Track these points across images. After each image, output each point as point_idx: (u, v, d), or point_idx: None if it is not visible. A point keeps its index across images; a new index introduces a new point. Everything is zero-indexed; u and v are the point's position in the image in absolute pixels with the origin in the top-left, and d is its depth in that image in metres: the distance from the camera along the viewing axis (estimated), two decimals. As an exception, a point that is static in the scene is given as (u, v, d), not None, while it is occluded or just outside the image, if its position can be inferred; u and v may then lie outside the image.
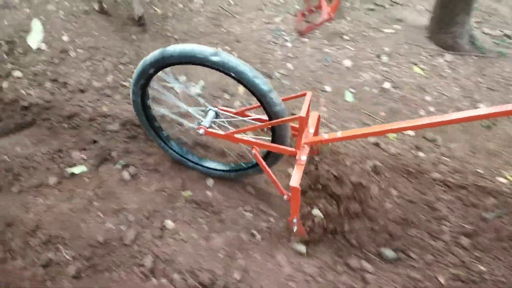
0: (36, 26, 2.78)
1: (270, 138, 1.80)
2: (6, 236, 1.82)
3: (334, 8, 2.71)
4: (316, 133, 1.82)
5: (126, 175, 2.06)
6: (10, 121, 2.27)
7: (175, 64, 1.62)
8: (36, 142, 2.19)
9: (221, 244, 1.82)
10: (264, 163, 1.75)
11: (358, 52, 2.69)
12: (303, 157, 1.65)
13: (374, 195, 2.00)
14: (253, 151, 1.73)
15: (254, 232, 1.87)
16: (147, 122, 1.95)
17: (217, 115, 1.84)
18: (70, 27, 2.80)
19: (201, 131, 1.79)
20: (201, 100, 1.92)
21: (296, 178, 1.61)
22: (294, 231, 1.79)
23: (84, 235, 1.81)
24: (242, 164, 2.03)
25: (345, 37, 2.79)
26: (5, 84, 2.43)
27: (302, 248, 1.83)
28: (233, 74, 1.56)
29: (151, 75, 1.69)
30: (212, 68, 1.58)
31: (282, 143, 1.73)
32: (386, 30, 2.86)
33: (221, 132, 1.79)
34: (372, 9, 3.09)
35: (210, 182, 2.05)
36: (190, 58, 1.57)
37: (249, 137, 1.82)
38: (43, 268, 1.73)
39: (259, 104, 1.66)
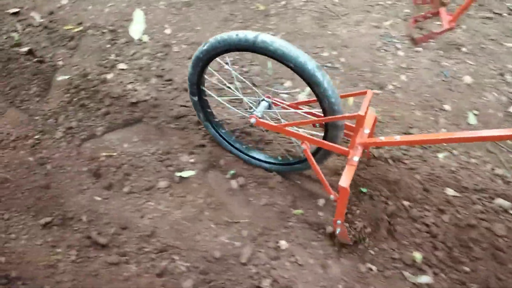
0: (138, 17, 2.74)
1: (321, 135, 1.74)
2: (120, 240, 1.81)
3: (456, 16, 2.48)
4: (371, 135, 1.77)
5: (234, 184, 1.99)
6: (118, 115, 2.25)
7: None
8: (144, 140, 2.17)
9: (339, 274, 1.72)
10: (313, 159, 1.71)
11: (479, 68, 2.46)
12: (355, 158, 1.61)
13: (501, 235, 1.84)
14: (303, 146, 1.70)
15: (370, 266, 1.77)
16: (200, 106, 1.95)
17: (269, 106, 1.82)
18: (171, 20, 2.74)
19: (253, 120, 1.77)
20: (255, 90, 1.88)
21: (346, 178, 1.57)
22: (337, 233, 1.74)
23: (199, 248, 1.77)
24: (289, 158, 2.01)
25: (463, 49, 2.56)
26: (110, 76, 2.41)
27: (425, 279, 1.71)
28: (291, 65, 1.52)
29: (209, 61, 1.72)
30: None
31: (333, 141, 1.69)
32: (508, 44, 2.60)
33: (272, 123, 1.76)
34: (489, 18, 2.82)
35: (321, 201, 1.95)
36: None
37: (301, 131, 1.77)
38: (158, 277, 1.71)
39: (314, 98, 1.62)
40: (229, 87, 1.94)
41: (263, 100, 1.81)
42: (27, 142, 2.15)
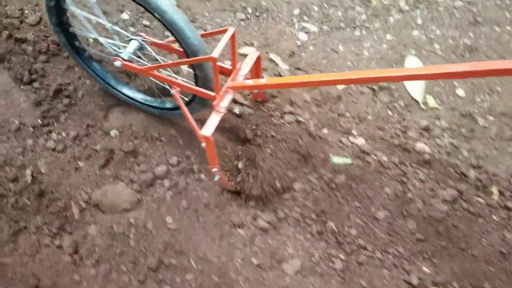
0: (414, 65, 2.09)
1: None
2: None
3: None
4: (258, 75, 1.71)
5: None
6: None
7: None
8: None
9: None
10: (183, 105, 1.60)
11: None
12: (223, 103, 1.53)
13: None
14: (173, 90, 1.59)
15: None
16: (66, 40, 1.77)
17: (141, 47, 1.64)
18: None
19: (118, 63, 1.62)
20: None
21: (208, 126, 1.50)
22: (215, 180, 1.67)
23: None
24: (168, 103, 1.86)
25: None
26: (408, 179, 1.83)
27: None
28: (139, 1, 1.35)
29: None
30: None
31: (204, 85, 1.55)
32: None
33: (138, 66, 1.61)
34: None
35: None
36: None
37: (169, 74, 1.66)
38: None
39: None
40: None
41: (133, 39, 1.62)
42: None
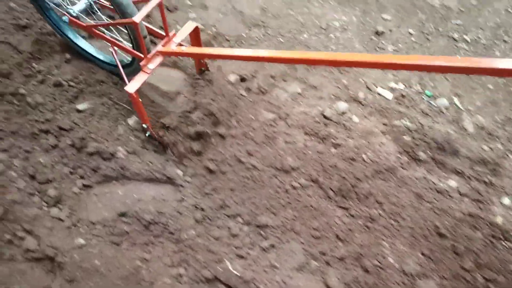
0: None
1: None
2: None
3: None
4: (198, 45, 1.85)
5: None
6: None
7: None
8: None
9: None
10: (119, 63, 1.79)
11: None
12: (150, 65, 1.68)
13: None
14: (111, 49, 1.78)
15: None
16: None
17: (91, 5, 1.78)
18: None
19: (65, 18, 1.76)
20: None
21: (133, 84, 1.63)
22: (147, 135, 1.87)
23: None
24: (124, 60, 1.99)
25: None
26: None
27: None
28: None
29: None
30: None
31: (137, 47, 1.72)
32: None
33: (82, 23, 1.77)
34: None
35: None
36: None
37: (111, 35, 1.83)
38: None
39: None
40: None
41: None
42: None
